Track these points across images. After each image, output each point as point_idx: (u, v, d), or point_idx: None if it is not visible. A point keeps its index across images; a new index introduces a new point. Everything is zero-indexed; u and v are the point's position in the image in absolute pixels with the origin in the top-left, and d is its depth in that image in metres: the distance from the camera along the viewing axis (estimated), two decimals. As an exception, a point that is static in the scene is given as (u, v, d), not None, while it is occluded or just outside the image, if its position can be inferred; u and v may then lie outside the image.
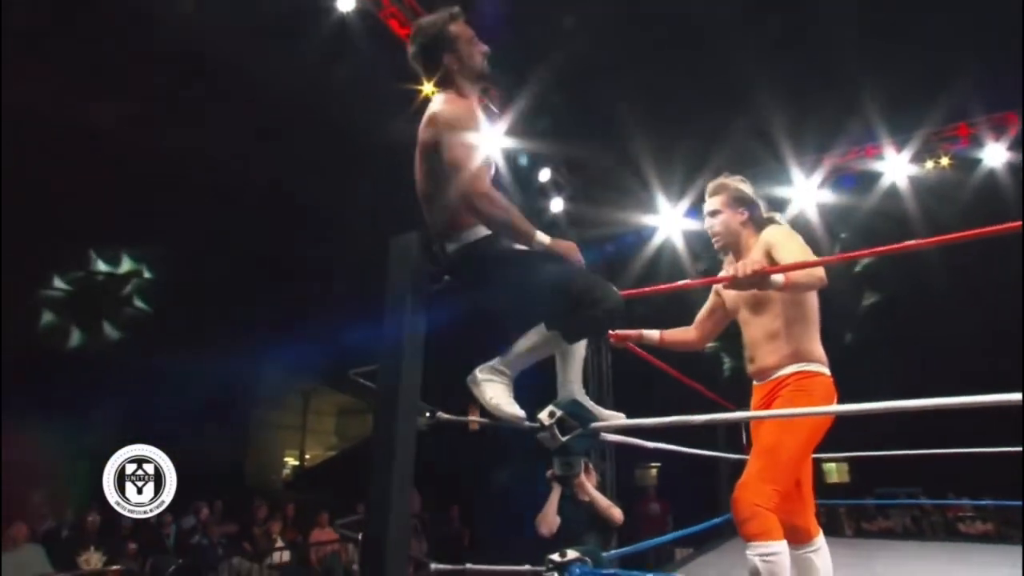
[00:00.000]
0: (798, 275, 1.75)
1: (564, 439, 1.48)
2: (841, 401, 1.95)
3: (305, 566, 6.58)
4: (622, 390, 7.69)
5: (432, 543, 7.66)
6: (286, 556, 6.46)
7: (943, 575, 3.86)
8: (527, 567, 1.58)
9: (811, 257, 1.85)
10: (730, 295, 2.13)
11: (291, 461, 15.76)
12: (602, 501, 3.43)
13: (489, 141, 1.78)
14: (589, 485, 3.43)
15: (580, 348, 1.82)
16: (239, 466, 13.21)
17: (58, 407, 7.92)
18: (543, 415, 1.54)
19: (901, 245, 1.55)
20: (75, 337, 10.26)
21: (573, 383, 1.80)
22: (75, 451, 8.29)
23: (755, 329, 2.01)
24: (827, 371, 1.96)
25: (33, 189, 7.77)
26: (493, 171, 1.82)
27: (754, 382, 2.07)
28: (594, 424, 1.59)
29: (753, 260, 1.70)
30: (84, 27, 6.28)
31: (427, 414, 1.58)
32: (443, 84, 1.75)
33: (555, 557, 1.50)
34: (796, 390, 1.89)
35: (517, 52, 6.16)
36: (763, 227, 2.06)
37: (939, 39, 6.29)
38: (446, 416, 1.54)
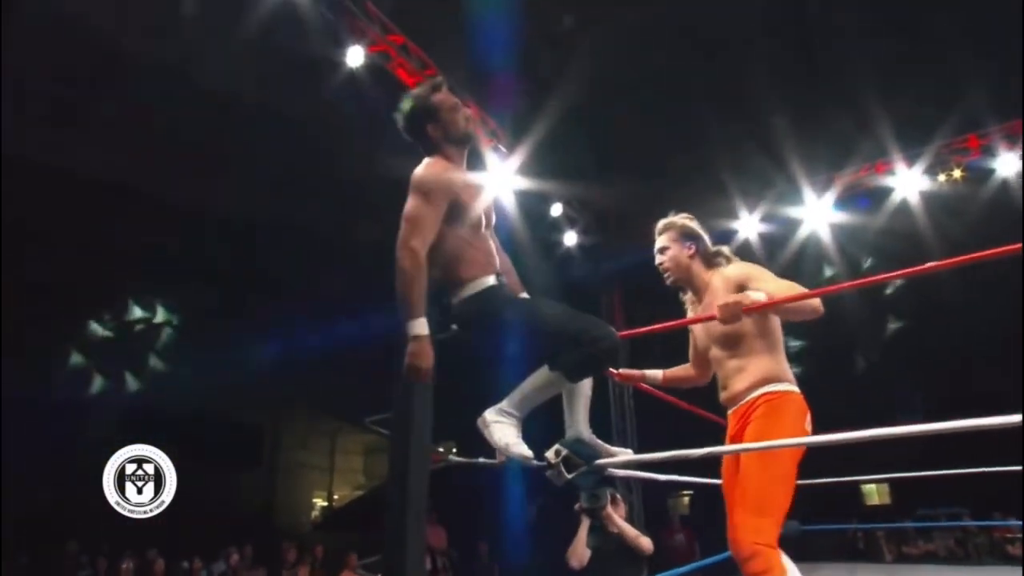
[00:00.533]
0: (795, 304, 1.84)
1: (570, 476, 1.54)
2: (865, 422, 1.93)
3: (334, 608, 6.58)
4: (645, 420, 7.65)
5: (461, 581, 7.59)
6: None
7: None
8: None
9: (791, 285, 1.92)
10: (700, 335, 2.20)
11: (319, 502, 15.76)
12: (630, 531, 3.45)
13: (485, 190, 1.90)
14: (617, 516, 3.46)
15: (585, 388, 1.89)
16: (268, 509, 13.30)
17: (84, 448, 8.06)
18: (549, 454, 1.61)
19: (888, 275, 1.60)
20: (129, 383, 10.51)
21: (580, 422, 1.86)
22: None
23: (728, 364, 2.07)
24: (796, 388, 2.00)
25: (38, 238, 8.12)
26: (493, 218, 1.93)
27: (728, 410, 2.11)
28: (599, 461, 1.65)
29: (735, 298, 1.79)
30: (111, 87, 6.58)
31: (440, 454, 1.65)
32: (430, 150, 1.87)
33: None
34: (768, 411, 1.93)
35: (525, 88, 6.35)
36: (711, 260, 2.16)
37: (947, 49, 6.31)
38: (457, 459, 1.61)
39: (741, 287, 1.97)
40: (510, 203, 6.38)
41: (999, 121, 6.61)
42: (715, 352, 2.11)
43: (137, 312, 10.79)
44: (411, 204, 1.73)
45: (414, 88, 1.96)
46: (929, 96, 6.64)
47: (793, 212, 7.53)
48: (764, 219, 7.74)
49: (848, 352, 10.07)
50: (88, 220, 8.36)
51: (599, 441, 1.84)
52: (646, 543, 3.43)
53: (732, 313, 1.77)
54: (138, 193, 8.15)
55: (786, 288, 1.88)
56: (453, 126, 1.87)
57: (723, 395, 2.10)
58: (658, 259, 2.23)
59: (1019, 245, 1.50)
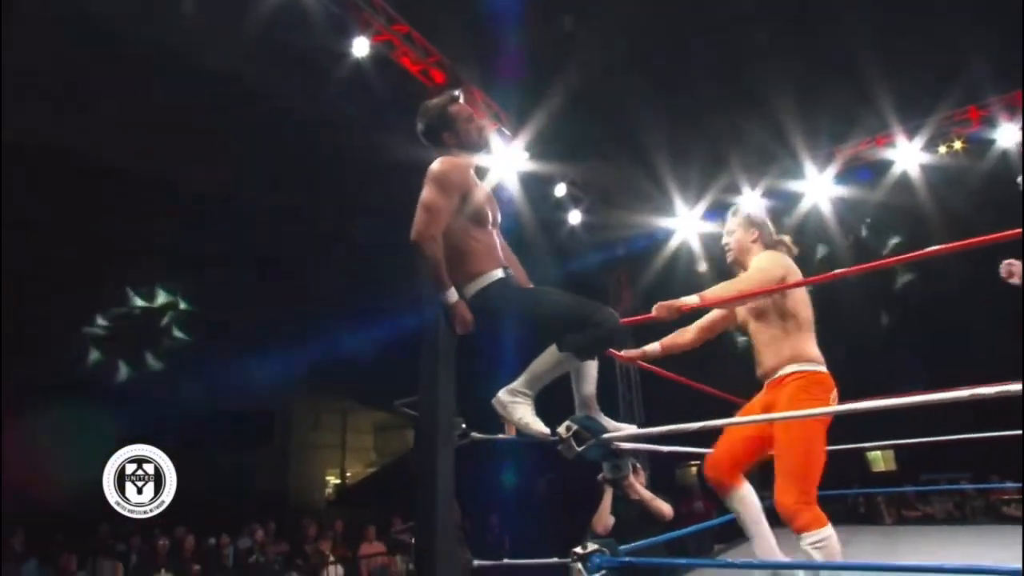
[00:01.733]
0: (714, 293, 2.10)
1: (579, 449, 1.70)
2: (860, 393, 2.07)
3: (356, 579, 6.87)
4: (654, 394, 7.82)
5: (475, 551, 7.87)
6: (338, 570, 6.76)
7: (958, 554, 3.89)
8: (555, 559, 1.80)
9: (766, 274, 2.19)
10: (741, 311, 2.44)
11: (332, 479, 16.12)
12: (650, 498, 3.65)
13: (490, 190, 2.05)
14: (638, 485, 3.66)
15: (592, 367, 2.02)
16: (283, 488, 13.63)
17: (103, 434, 8.30)
18: (561, 429, 1.78)
19: (869, 264, 1.73)
20: (123, 371, 10.71)
21: (588, 399, 2.00)
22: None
23: (759, 336, 2.31)
24: (823, 368, 2.21)
25: (43, 225, 8.23)
26: (499, 216, 2.07)
27: (765, 382, 2.31)
28: (605, 435, 1.81)
29: (672, 302, 2.04)
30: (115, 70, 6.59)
31: (462, 433, 1.82)
32: (444, 154, 2.02)
33: (578, 549, 1.72)
34: (797, 389, 2.14)
35: (529, 69, 6.39)
36: (773, 247, 2.41)
37: (947, 20, 6.30)
38: (479, 436, 1.78)
39: None
40: (514, 185, 6.47)
41: (999, 92, 6.62)
42: (752, 325, 2.35)
43: (139, 301, 10.92)
44: (428, 194, 1.87)
45: (431, 96, 2.10)
46: (929, 68, 6.64)
47: (795, 186, 7.59)
48: (766, 194, 7.80)
49: (852, 325, 10.19)
50: (90, 206, 8.45)
51: (606, 418, 2.00)
52: (667, 509, 3.63)
53: (667, 312, 2.03)
54: (142, 179, 8.24)
55: (754, 276, 2.19)
56: (467, 136, 2.04)
57: (759, 371, 2.32)
58: (724, 239, 2.52)
59: (1019, 231, 1.60)
